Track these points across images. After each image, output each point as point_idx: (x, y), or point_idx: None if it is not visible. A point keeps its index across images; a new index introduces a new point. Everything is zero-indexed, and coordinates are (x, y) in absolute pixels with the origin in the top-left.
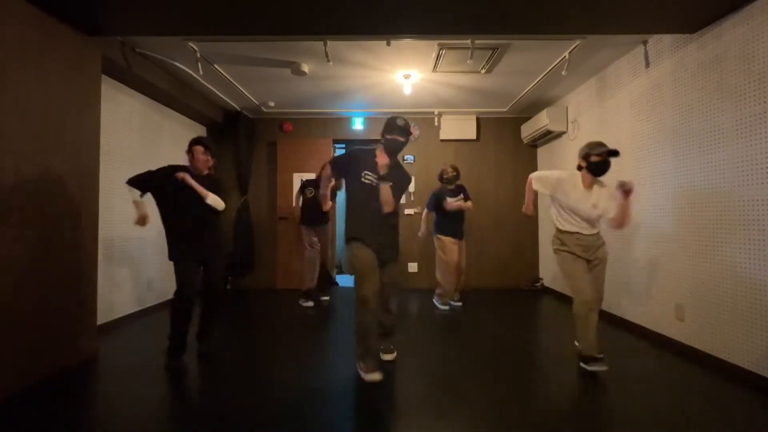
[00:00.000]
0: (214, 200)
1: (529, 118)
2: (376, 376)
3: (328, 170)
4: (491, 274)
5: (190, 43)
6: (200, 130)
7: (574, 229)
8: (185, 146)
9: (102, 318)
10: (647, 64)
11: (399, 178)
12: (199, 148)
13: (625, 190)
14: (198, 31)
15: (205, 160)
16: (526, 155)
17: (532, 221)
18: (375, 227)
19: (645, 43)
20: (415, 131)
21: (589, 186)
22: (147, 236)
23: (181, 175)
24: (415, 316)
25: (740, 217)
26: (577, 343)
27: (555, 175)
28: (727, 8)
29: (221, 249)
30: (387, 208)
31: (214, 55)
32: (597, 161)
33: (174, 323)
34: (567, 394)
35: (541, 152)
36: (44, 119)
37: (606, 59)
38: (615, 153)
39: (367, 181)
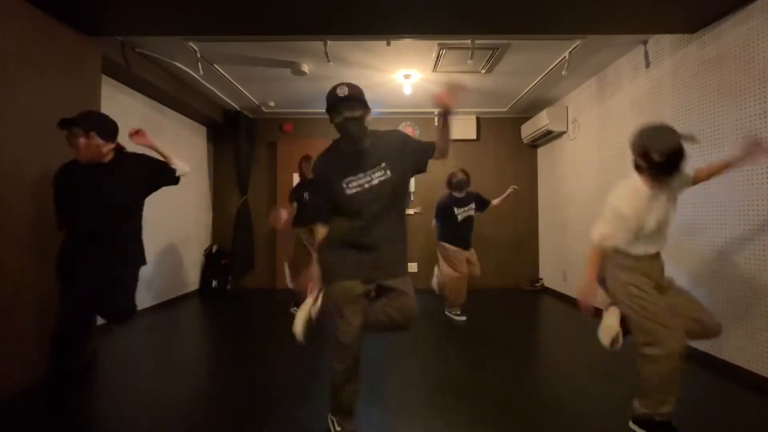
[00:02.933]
0: (181, 168)
1: (529, 118)
2: None
3: (323, 231)
4: (491, 274)
5: (190, 43)
6: (200, 130)
7: (652, 250)
8: (185, 146)
9: (102, 318)
10: (647, 64)
11: (390, 149)
12: (72, 134)
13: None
14: (198, 31)
15: (87, 146)
16: (526, 155)
17: (532, 221)
18: (370, 240)
19: (645, 43)
20: (415, 131)
21: (658, 189)
22: (145, 236)
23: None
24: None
25: (740, 217)
26: (638, 404)
27: (619, 210)
28: (727, 8)
29: (127, 264)
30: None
31: (214, 55)
32: (661, 162)
33: (54, 353)
34: (567, 394)
35: (541, 152)
36: (44, 119)
37: (606, 59)
38: (685, 141)
39: (355, 189)
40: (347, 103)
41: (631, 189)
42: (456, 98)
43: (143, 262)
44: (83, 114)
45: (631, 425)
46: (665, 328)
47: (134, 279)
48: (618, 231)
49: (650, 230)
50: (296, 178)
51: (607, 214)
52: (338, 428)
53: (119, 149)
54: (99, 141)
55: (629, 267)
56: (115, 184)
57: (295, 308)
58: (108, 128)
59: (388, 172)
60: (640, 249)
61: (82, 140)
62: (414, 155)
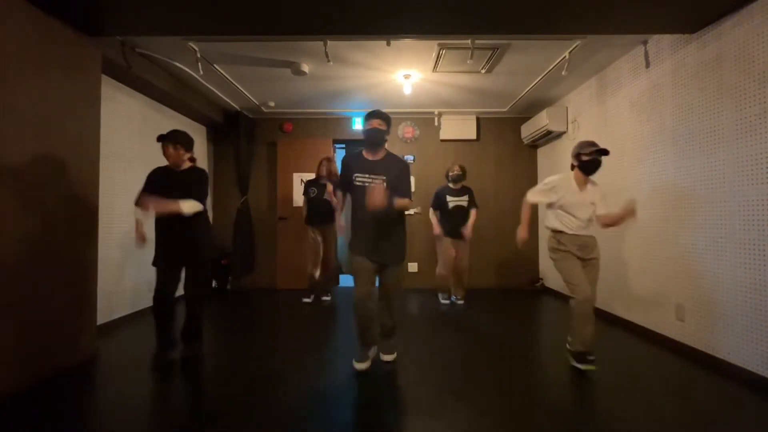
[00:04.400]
0: (189, 207)
1: (529, 118)
2: (361, 366)
3: (339, 196)
4: (491, 274)
5: (190, 43)
6: (200, 130)
7: (572, 231)
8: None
9: (102, 318)
10: (647, 64)
11: (393, 169)
12: (167, 146)
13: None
14: (198, 31)
15: (175, 155)
16: (526, 155)
17: (533, 221)
18: (372, 230)
19: (645, 43)
20: (415, 131)
21: (582, 184)
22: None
23: (145, 206)
24: (415, 315)
25: (740, 217)
26: (569, 343)
27: (548, 182)
28: (727, 8)
29: (200, 251)
30: (372, 205)
31: (214, 55)
32: (587, 160)
33: (155, 323)
34: (567, 394)
35: (541, 152)
36: (44, 119)
37: (606, 59)
38: (604, 152)
39: (359, 183)
40: (380, 117)
41: (564, 176)
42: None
43: (208, 255)
44: (173, 132)
45: (574, 363)
46: (576, 282)
47: (200, 268)
48: (536, 191)
49: (565, 209)
50: (296, 178)
51: (540, 185)
52: (356, 354)
53: (193, 160)
54: (182, 151)
55: (556, 237)
56: (183, 187)
57: (315, 295)
58: (187, 143)
59: (384, 184)
60: (564, 228)
61: (171, 150)
62: (398, 186)
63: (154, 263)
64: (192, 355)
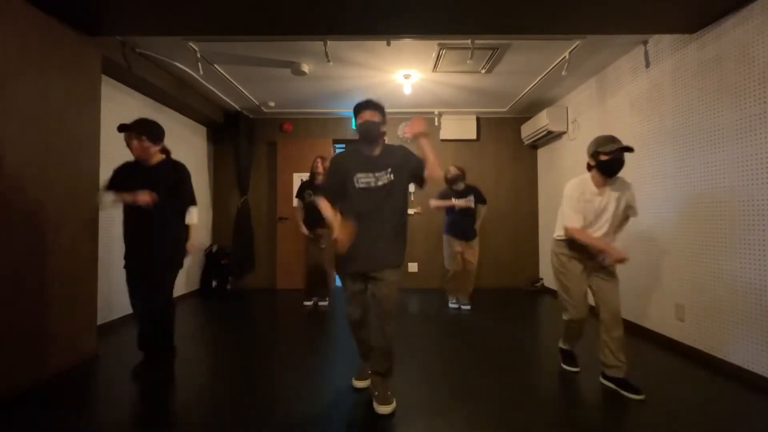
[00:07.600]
0: (195, 218)
1: (529, 118)
2: (360, 384)
3: (327, 204)
4: (491, 274)
5: (190, 43)
6: (200, 130)
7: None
8: (185, 146)
9: (102, 318)
10: (647, 64)
11: (396, 159)
12: (128, 137)
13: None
14: (198, 31)
15: (140, 148)
16: (526, 155)
17: (533, 221)
18: (370, 237)
19: (645, 43)
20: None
21: (601, 186)
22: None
23: (130, 200)
24: (415, 316)
25: (740, 217)
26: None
27: (571, 194)
28: (727, 8)
29: (172, 253)
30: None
31: (214, 55)
32: (607, 160)
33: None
34: (567, 394)
35: (542, 153)
36: (44, 119)
37: (606, 59)
38: (628, 149)
39: (362, 185)
40: (370, 107)
41: (579, 180)
42: (420, 126)
43: (177, 263)
44: (137, 121)
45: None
46: (570, 298)
47: (166, 275)
48: (574, 214)
49: (587, 220)
50: (296, 178)
51: (563, 203)
52: (360, 370)
53: (167, 154)
54: (147, 143)
55: (560, 243)
56: (158, 185)
57: (314, 300)
58: (155, 133)
59: (392, 176)
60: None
61: (135, 142)
62: (413, 169)
63: (125, 265)
64: (156, 374)
